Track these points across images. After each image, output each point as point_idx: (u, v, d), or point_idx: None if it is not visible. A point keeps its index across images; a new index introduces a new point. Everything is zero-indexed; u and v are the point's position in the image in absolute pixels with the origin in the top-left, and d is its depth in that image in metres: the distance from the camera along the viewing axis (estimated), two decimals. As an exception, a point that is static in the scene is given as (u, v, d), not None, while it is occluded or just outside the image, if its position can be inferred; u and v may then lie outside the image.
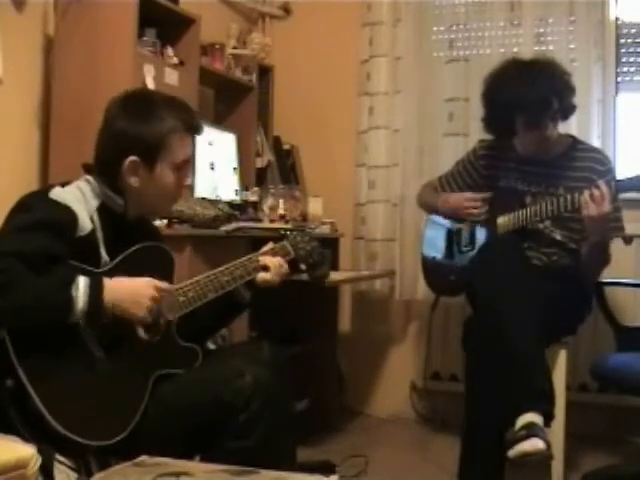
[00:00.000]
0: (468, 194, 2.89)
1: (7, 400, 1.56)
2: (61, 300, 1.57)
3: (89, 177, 1.81)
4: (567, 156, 2.75)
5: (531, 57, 2.87)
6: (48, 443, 1.53)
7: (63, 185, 1.76)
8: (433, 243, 3.04)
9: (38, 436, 1.54)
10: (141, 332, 1.75)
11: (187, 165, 1.87)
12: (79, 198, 1.74)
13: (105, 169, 1.80)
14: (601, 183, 2.43)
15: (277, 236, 2.12)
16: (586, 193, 2.44)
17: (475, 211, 2.84)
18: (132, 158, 1.77)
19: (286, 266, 2.03)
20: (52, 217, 1.66)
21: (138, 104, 1.82)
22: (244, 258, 1.96)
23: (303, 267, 2.10)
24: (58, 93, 2.67)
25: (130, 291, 1.69)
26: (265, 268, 1.98)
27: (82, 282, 1.60)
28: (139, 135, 1.77)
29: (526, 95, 2.57)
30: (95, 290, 1.61)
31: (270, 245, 2.04)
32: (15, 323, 1.56)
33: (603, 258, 2.67)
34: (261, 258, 1.99)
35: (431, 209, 3.08)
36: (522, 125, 2.65)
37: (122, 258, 1.77)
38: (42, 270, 1.58)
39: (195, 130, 1.87)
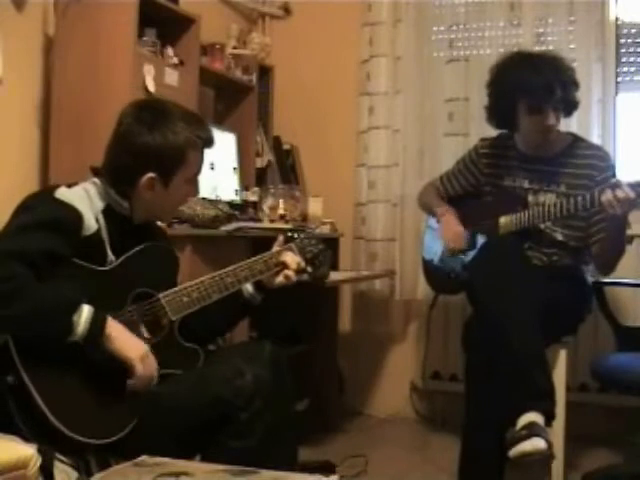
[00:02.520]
0: (461, 230, 2.88)
1: (7, 396, 1.57)
2: (61, 323, 1.57)
3: (96, 180, 1.81)
4: (568, 153, 2.75)
5: (538, 51, 2.88)
6: (47, 440, 1.52)
7: (69, 186, 1.76)
8: (432, 249, 3.04)
9: (38, 433, 1.54)
10: (143, 331, 1.75)
11: (197, 176, 1.88)
12: (84, 198, 1.74)
13: (119, 179, 1.80)
14: (624, 185, 2.40)
15: (285, 238, 2.11)
16: (609, 193, 2.41)
17: (451, 247, 2.86)
18: (150, 175, 1.77)
19: (303, 263, 2.04)
20: (57, 216, 1.66)
21: (154, 117, 1.79)
22: (249, 260, 1.96)
23: (309, 269, 2.10)
24: (58, 93, 2.67)
25: (129, 337, 1.68)
26: (285, 267, 1.99)
27: (86, 310, 1.60)
28: (160, 153, 1.77)
29: (530, 79, 2.58)
30: (97, 323, 1.61)
31: (276, 247, 2.04)
32: (15, 332, 1.56)
33: (621, 246, 2.65)
34: (281, 259, 2.00)
35: (429, 212, 3.10)
36: (525, 110, 2.64)
37: (127, 256, 1.77)
38: (45, 271, 1.58)
39: (208, 143, 1.88)
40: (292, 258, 2.01)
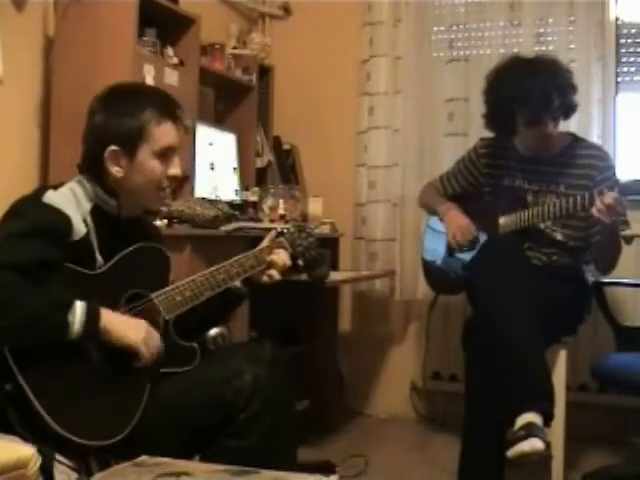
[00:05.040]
0: (467, 222, 2.87)
1: (6, 403, 1.56)
2: (57, 324, 1.57)
3: (81, 178, 1.80)
4: (567, 154, 2.75)
5: (533, 55, 2.87)
6: (48, 444, 1.52)
7: (56, 187, 1.75)
8: (432, 250, 3.03)
9: (37, 437, 1.53)
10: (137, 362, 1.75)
11: (171, 153, 1.83)
12: (72, 201, 1.73)
13: (90, 165, 1.79)
14: (611, 193, 2.41)
15: (276, 233, 2.11)
16: (599, 202, 2.41)
17: (459, 240, 2.83)
18: (112, 147, 1.76)
19: (289, 262, 2.04)
20: (46, 223, 1.65)
21: (116, 96, 1.82)
22: (240, 256, 1.96)
23: (301, 263, 2.10)
24: (58, 93, 2.67)
25: (126, 322, 1.68)
26: (271, 265, 1.98)
27: (79, 308, 1.59)
28: (116, 125, 1.77)
29: (528, 91, 2.57)
30: (92, 316, 1.60)
31: (267, 242, 2.04)
32: (10, 341, 1.55)
33: (617, 245, 2.66)
34: (269, 257, 1.99)
35: (431, 211, 3.09)
36: (523, 122, 2.65)
37: (117, 260, 1.76)
38: (38, 279, 1.57)
39: (172, 115, 1.83)
40: (279, 257, 2.01)
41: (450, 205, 2.96)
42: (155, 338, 1.73)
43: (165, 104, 1.83)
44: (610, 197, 2.39)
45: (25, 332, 1.55)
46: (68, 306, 1.58)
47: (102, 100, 1.82)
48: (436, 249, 3.00)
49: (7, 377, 1.55)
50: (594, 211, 2.43)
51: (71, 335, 1.58)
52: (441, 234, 2.99)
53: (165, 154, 1.81)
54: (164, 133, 1.81)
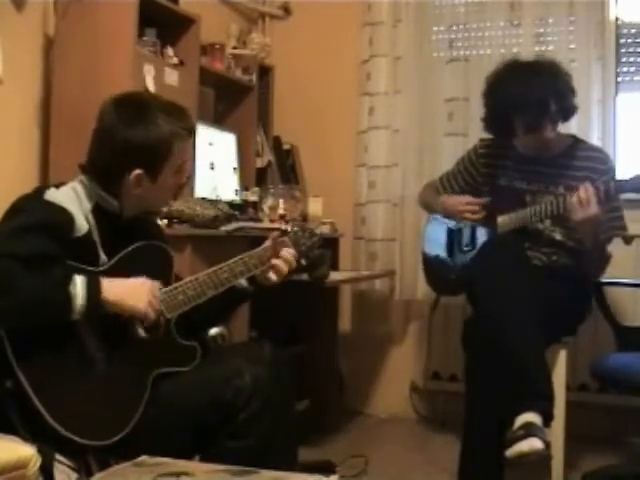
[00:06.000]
0: (467, 198, 2.88)
1: (7, 401, 1.56)
2: (60, 298, 1.57)
3: (83, 178, 1.80)
4: (568, 155, 2.75)
5: (532, 58, 2.86)
6: (48, 443, 1.52)
7: (57, 186, 1.75)
8: (434, 240, 3.02)
9: (38, 436, 1.54)
10: (140, 331, 1.75)
11: (184, 164, 1.86)
12: (73, 199, 1.74)
13: (105, 176, 1.79)
14: (587, 185, 2.43)
15: (279, 232, 2.11)
16: (574, 196, 2.44)
17: (471, 216, 2.82)
18: (138, 172, 1.76)
19: (294, 262, 2.03)
20: (48, 219, 1.65)
21: (134, 112, 1.78)
22: (243, 255, 1.95)
23: (304, 262, 2.10)
24: (58, 93, 2.67)
25: (127, 287, 1.69)
26: (274, 267, 1.98)
27: (79, 280, 1.60)
28: (143, 149, 1.75)
29: (525, 98, 2.57)
30: (93, 286, 1.61)
31: (270, 242, 2.04)
32: (15, 322, 1.55)
33: (601, 257, 2.67)
34: (272, 259, 1.98)
35: (430, 209, 3.09)
36: (521, 128, 2.65)
37: (120, 257, 1.76)
38: (38, 270, 1.57)
39: (191, 132, 1.86)
40: (283, 258, 2.00)
41: (447, 195, 2.96)
42: (156, 294, 1.73)
43: (185, 123, 1.82)
44: (583, 193, 2.40)
45: (29, 310, 1.54)
46: (68, 280, 1.58)
47: (117, 113, 1.78)
48: (438, 241, 2.98)
49: (7, 374, 1.55)
50: (574, 199, 2.43)
51: (75, 309, 1.58)
52: (444, 225, 2.98)
53: (181, 168, 1.84)
54: (184, 151, 1.83)
